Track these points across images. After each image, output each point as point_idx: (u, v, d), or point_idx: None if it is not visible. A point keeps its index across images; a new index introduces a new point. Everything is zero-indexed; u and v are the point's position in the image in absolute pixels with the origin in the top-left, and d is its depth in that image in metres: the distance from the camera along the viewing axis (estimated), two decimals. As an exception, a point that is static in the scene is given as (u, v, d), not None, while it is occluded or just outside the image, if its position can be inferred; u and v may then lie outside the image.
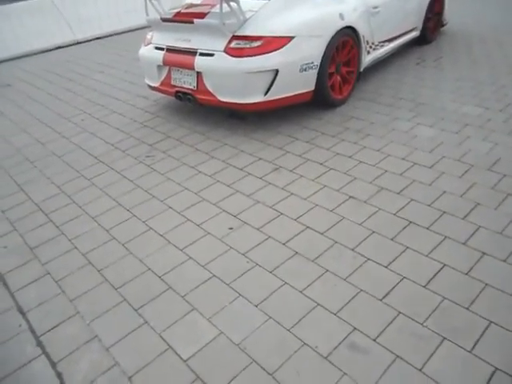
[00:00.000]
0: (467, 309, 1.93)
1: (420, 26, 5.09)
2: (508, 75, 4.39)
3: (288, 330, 1.91)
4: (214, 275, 2.26)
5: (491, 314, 1.90)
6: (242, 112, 3.80)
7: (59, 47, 7.31)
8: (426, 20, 5.15)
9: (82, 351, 1.93)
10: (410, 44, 5.25)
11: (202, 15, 3.50)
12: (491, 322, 1.86)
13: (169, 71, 3.82)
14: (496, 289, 2.02)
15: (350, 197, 2.74)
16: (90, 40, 7.62)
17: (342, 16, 3.67)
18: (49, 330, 2.05)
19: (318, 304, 2.02)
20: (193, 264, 2.35)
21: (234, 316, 2.01)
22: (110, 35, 7.83)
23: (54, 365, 1.89)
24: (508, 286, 2.03)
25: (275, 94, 3.44)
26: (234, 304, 2.07)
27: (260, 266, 2.28)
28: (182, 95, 3.77)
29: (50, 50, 7.22)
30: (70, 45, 7.46)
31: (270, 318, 1.98)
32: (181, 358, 1.84)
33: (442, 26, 5.70)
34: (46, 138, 3.99)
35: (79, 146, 3.79)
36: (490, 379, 1.64)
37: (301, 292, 2.09)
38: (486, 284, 2.05)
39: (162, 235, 2.61)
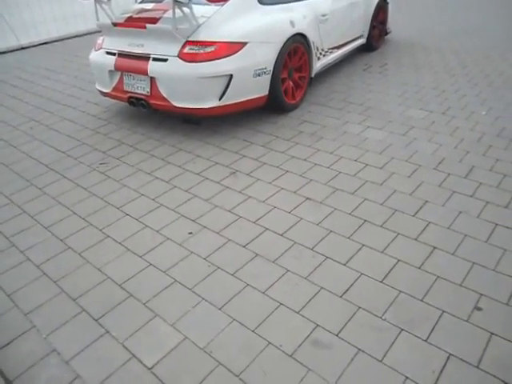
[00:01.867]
0: (421, 300, 2.03)
1: (366, 33, 5.31)
2: (448, 80, 4.66)
3: (252, 331, 1.93)
4: (176, 280, 2.25)
5: (443, 303, 2.01)
6: (196, 117, 3.80)
7: (2, 52, 7.00)
8: (372, 28, 5.38)
9: (39, 366, 1.86)
10: (357, 51, 5.46)
11: (154, 20, 3.48)
12: (444, 311, 1.97)
13: (121, 76, 3.76)
14: (446, 280, 2.14)
15: (307, 198, 2.81)
16: (36, 45, 7.34)
17: (292, 23, 3.76)
18: (3, 347, 1.96)
19: (281, 304, 2.06)
20: (153, 270, 2.33)
21: (198, 320, 2.01)
22: (57, 40, 7.58)
23: (9, 383, 1.80)
24: (457, 276, 2.15)
25: (230, 99, 3.47)
26: (198, 308, 2.07)
27: (222, 269, 2.29)
28: (135, 101, 3.71)
29: (-9, 56, 6.90)
30: (14, 50, 7.15)
31: (234, 320, 1.99)
32: (145, 366, 1.82)
33: (386, 34, 5.96)
34: (-9, 147, 3.82)
35: (28, 154, 3.65)
36: (445, 364, 1.74)
37: (263, 293, 2.13)
38: (438, 276, 2.16)
39: (120, 243, 2.56)
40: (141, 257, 2.43)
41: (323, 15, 4.27)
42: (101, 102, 4.58)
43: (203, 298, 2.12)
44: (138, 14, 3.74)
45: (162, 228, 2.65)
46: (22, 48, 7.24)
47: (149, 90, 3.58)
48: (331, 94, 4.42)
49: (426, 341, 1.84)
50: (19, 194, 3.09)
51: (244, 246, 2.44)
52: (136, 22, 3.56)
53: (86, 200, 2.99)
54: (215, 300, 2.10)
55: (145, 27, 3.41)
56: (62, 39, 7.61)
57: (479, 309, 1.97)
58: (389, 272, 2.20)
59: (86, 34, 7.76)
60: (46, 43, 7.44)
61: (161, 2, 3.83)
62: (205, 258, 2.38)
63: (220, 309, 2.05)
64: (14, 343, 1.97)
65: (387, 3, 5.66)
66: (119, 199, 2.97)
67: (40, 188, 3.16)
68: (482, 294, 2.04)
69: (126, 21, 3.65)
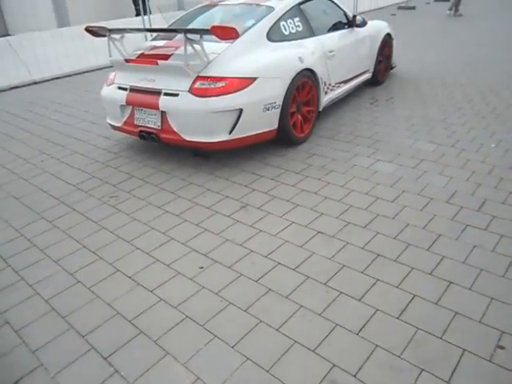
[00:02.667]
0: (441, 338, 1.97)
1: (372, 68, 5.41)
2: (455, 113, 4.70)
3: (267, 371, 1.87)
4: (187, 316, 2.20)
5: (463, 341, 1.95)
6: (206, 150, 3.83)
7: (15, 87, 7.16)
8: (377, 63, 5.48)
9: (47, 406, 1.81)
10: (363, 85, 5.54)
11: (166, 57, 3.56)
12: (464, 350, 1.91)
13: (132, 111, 3.82)
14: (465, 316, 2.08)
15: (318, 232, 2.78)
16: (48, 80, 7.51)
17: (301, 59, 3.84)
18: (10, 386, 1.91)
19: (296, 341, 2.00)
20: (164, 306, 2.29)
21: (211, 359, 1.95)
22: (69, 75, 7.77)
23: (16, 423, 1.75)
24: (476, 312, 2.10)
25: (240, 133, 3.51)
26: (210, 346, 2.02)
27: (234, 305, 2.25)
28: (145, 135, 3.76)
29: (5, 91, 7.05)
30: (27, 85, 7.31)
31: (248, 359, 1.94)
32: (156, 407, 1.76)
33: (391, 68, 6.07)
34: (3, 180, 3.84)
35: (39, 187, 3.67)
36: (468, 408, 1.67)
37: (277, 330, 2.07)
38: (456, 312, 2.11)
39: (130, 277, 2.53)
40: (151, 291, 2.40)
41: (330, 51, 4.36)
42: (111, 135, 4.64)
43: (215, 335, 2.07)
44: (150, 50, 3.83)
45: (173, 262, 2.62)
46: (35, 83, 7.41)
47: (160, 123, 3.62)
48: (339, 128, 4.46)
49: (448, 382, 1.77)
50: (29, 227, 3.09)
51: (256, 281, 2.40)
52: (148, 59, 3.64)
53: (96, 233, 2.98)
54: (228, 337, 2.05)
55: (157, 63, 3.49)
56: (74, 74, 7.80)
57: (502, 347, 1.91)
58: (405, 308, 2.15)
59: (96, 70, 7.94)
60: (57, 78, 7.62)
61: (172, 39, 3.93)
62: (216, 293, 2.34)
63: (233, 347, 2.00)
64: (22, 382, 1.92)
65: (392, 39, 5.78)
66: (129, 233, 2.95)
67: (50, 221, 3.16)
68: (503, 332, 1.98)
69: (138, 57, 3.73)
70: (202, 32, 3.32)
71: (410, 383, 1.78)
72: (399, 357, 1.89)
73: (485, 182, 3.25)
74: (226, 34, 3.24)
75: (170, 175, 3.70)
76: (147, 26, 8.76)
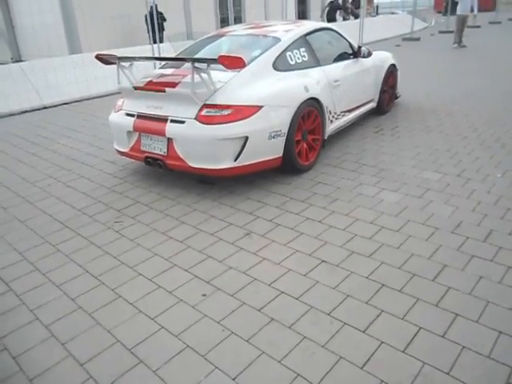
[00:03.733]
0: (448, 374, 1.92)
1: (376, 97, 5.47)
2: (460, 143, 4.71)
3: (268, 404, 1.82)
4: (188, 346, 2.16)
5: (472, 378, 1.89)
6: (211, 177, 3.84)
7: (25, 111, 7.29)
8: (382, 92, 5.54)
9: None
10: (368, 114, 5.59)
11: (173, 84, 3.62)
12: (472, 386, 1.85)
13: (139, 137, 3.87)
14: (472, 351, 2.03)
15: (323, 261, 2.76)
16: (57, 105, 7.65)
17: (306, 88, 3.89)
18: (6, 414, 1.87)
19: (298, 374, 1.96)
20: (165, 334, 2.25)
21: (211, 390, 1.91)
22: (78, 101, 7.91)
23: None
24: (483, 347, 2.05)
25: (245, 160, 3.53)
26: (210, 378, 1.97)
27: (236, 335, 2.21)
28: (151, 160, 3.79)
29: (16, 115, 7.18)
30: (37, 109, 7.45)
31: (249, 391, 1.89)
32: None
33: (396, 98, 6.14)
34: (9, 203, 3.86)
35: (44, 211, 3.68)
36: None
37: (279, 362, 2.03)
38: (463, 346, 2.06)
39: (131, 303, 2.50)
40: (153, 319, 2.36)
41: (335, 81, 4.42)
42: (117, 160, 4.68)
43: (216, 367, 2.03)
44: (158, 78, 3.90)
45: (175, 289, 2.60)
46: (45, 107, 7.55)
47: (166, 150, 3.65)
48: (344, 156, 4.47)
49: (454, 419, 1.72)
50: (33, 251, 3.08)
51: (259, 310, 2.37)
52: (156, 86, 3.70)
53: (99, 258, 2.97)
54: (229, 369, 2.01)
55: (165, 91, 3.54)
56: (83, 100, 7.94)
57: (510, 384, 1.86)
58: (411, 341, 2.11)
59: (105, 96, 8.09)
60: (66, 103, 7.76)
61: (179, 67, 4.00)
62: (218, 322, 2.30)
63: (234, 379, 1.95)
64: (18, 411, 1.88)
65: (396, 69, 5.87)
66: (132, 258, 2.94)
67: (54, 245, 3.16)
68: None
69: (146, 84, 3.80)
70: (209, 61, 3.39)
71: (416, 420, 1.72)
72: (405, 392, 1.84)
73: (491, 213, 3.23)
74: (233, 63, 3.30)
75: (174, 201, 3.70)
76: (157, 55, 8.95)
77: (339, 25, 16.51)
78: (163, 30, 14.38)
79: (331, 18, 17.25)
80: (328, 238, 3.01)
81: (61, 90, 7.84)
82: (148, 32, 10.78)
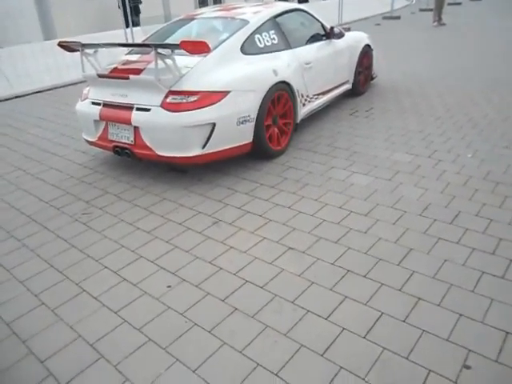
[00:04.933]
0: (406, 358, 1.93)
1: (351, 79, 5.41)
2: (433, 123, 4.70)
3: (227, 395, 1.82)
4: (150, 339, 2.14)
5: (429, 361, 1.90)
6: (182, 165, 3.78)
7: (-4, 101, 7.11)
8: (357, 74, 5.48)
9: None
10: (344, 96, 5.55)
11: (138, 71, 3.53)
12: (430, 370, 1.86)
13: (106, 126, 3.78)
14: (432, 334, 2.04)
15: (290, 248, 2.74)
16: (30, 94, 7.45)
17: (275, 72, 3.82)
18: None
19: (259, 364, 1.95)
20: (127, 328, 2.23)
21: (170, 384, 1.89)
22: (51, 89, 7.71)
23: None
24: (443, 330, 2.06)
25: (213, 147, 3.47)
26: (171, 371, 1.96)
27: (198, 326, 2.19)
28: (119, 150, 3.71)
29: (-15, 105, 6.99)
30: (8, 99, 7.25)
31: None
32: None
33: (372, 79, 6.09)
34: (-26, 198, 3.77)
35: (11, 204, 3.60)
36: (430, 432, 1.62)
37: (240, 352, 2.02)
38: (423, 330, 2.07)
39: (95, 298, 2.46)
40: (116, 313, 2.33)
41: (307, 63, 4.35)
42: (88, 150, 4.58)
43: (177, 359, 2.01)
44: (123, 65, 3.79)
45: (140, 281, 2.56)
46: (16, 97, 7.35)
47: (133, 139, 3.58)
48: (317, 139, 4.44)
49: (410, 404, 1.73)
50: (-3, 247, 3.02)
51: (223, 300, 2.35)
52: (120, 73, 3.60)
53: (64, 252, 2.91)
54: (190, 361, 1.99)
55: (128, 78, 3.45)
56: (55, 88, 7.75)
57: (468, 367, 1.87)
58: (372, 326, 2.11)
59: (78, 83, 7.89)
60: (39, 92, 7.57)
61: (146, 54, 3.89)
62: (182, 314, 2.28)
63: (194, 371, 1.94)
64: (-25, 412, 1.85)
65: (371, 49, 5.80)
66: (99, 251, 2.89)
67: (19, 240, 3.09)
68: (470, 350, 1.94)
69: (110, 72, 3.70)
70: (171, 47, 3.30)
71: (373, 407, 1.73)
72: (363, 379, 1.84)
73: (459, 194, 3.23)
74: (196, 48, 3.21)
75: (144, 191, 3.64)
76: (130, 39, 8.75)
77: (319, 4, 16.30)
78: (139, 12, 14.08)
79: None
80: (296, 224, 2.99)
81: (33, 78, 7.64)
82: (125, 15, 10.55)
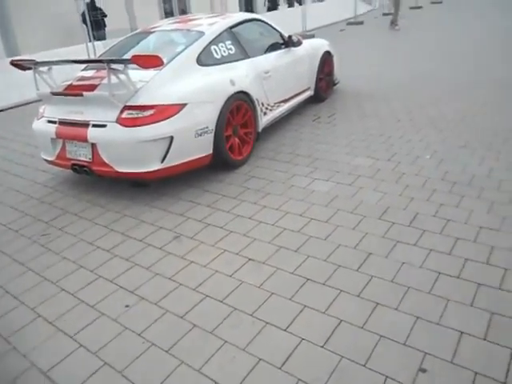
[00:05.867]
0: (364, 366, 1.92)
1: (313, 86, 5.46)
2: (394, 126, 4.78)
3: (183, 417, 1.78)
4: (106, 363, 2.08)
5: (386, 368, 1.90)
6: (142, 180, 3.73)
7: (-48, 123, 6.90)
8: (318, 80, 5.54)
9: None
10: (306, 102, 5.59)
11: (92, 87, 3.48)
12: (387, 377, 1.86)
13: (63, 144, 3.71)
14: (390, 339, 2.04)
15: (249, 259, 2.72)
16: (-11, 113, 7.28)
17: (232, 82, 3.82)
18: None
19: (216, 383, 1.91)
20: (83, 352, 2.16)
21: (125, 409, 1.84)
22: (13, 107, 7.55)
23: None
24: (400, 334, 2.06)
25: (173, 161, 3.44)
26: (126, 394, 1.91)
27: (156, 346, 2.14)
28: (78, 168, 3.64)
29: None
30: (-34, 120, 7.06)
31: (164, 405, 1.84)
32: None
33: (334, 84, 6.16)
34: None
35: (-35, 230, 3.48)
36: None
37: (198, 371, 1.98)
38: (381, 336, 2.07)
39: (51, 322, 2.39)
40: (71, 337, 2.27)
41: (266, 72, 4.37)
42: (48, 169, 4.48)
43: (133, 383, 1.96)
44: (77, 81, 3.74)
45: (98, 303, 2.50)
46: (-25, 117, 7.16)
47: (91, 156, 3.51)
48: (280, 148, 4.45)
49: (367, 412, 1.72)
50: None
51: (181, 317, 2.31)
52: (74, 90, 3.55)
53: (20, 276, 2.82)
54: (145, 383, 1.94)
55: (82, 94, 3.40)
56: (17, 106, 7.58)
57: (424, 370, 1.87)
58: (331, 335, 2.10)
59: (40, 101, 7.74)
60: (1, 110, 7.40)
61: (103, 69, 3.83)
62: (139, 334, 2.23)
63: (150, 393, 1.90)
64: None
65: (332, 56, 5.87)
66: (56, 273, 2.81)
67: (-27, 266, 2.98)
68: (426, 353, 1.95)
69: (65, 89, 3.64)
70: (124, 61, 3.26)
71: (330, 417, 1.71)
72: (321, 389, 1.83)
73: (418, 196, 3.28)
74: (148, 62, 3.19)
75: (104, 209, 3.57)
76: (92, 54, 8.65)
77: (283, 12, 16.47)
78: (105, 26, 13.92)
79: (274, 5, 17.16)
80: (257, 234, 2.98)
81: (-7, 96, 7.46)
82: (87, 30, 10.41)
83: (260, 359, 2.01)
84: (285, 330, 2.15)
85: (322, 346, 2.04)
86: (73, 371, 2.05)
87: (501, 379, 1.79)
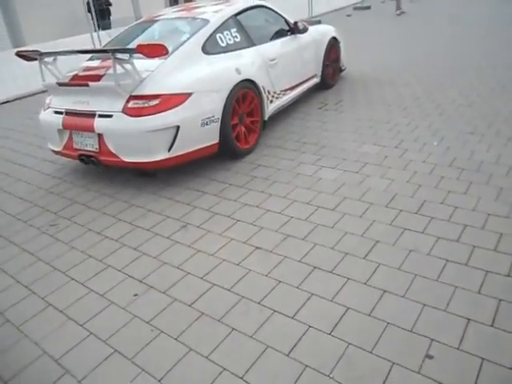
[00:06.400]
0: (371, 352, 1.94)
1: (319, 73, 5.41)
2: (401, 113, 4.73)
3: (192, 403, 1.80)
4: (116, 350, 2.11)
5: (393, 354, 1.91)
6: (149, 170, 3.74)
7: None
8: (325, 67, 5.48)
9: None
10: (313, 90, 5.55)
11: (97, 77, 3.48)
12: (394, 363, 1.87)
13: (70, 135, 3.72)
14: (396, 326, 2.05)
15: (257, 248, 2.73)
16: (-3, 105, 7.32)
17: (238, 70, 3.80)
18: None
19: (225, 369, 1.94)
20: (93, 340, 2.20)
21: (136, 395, 1.87)
22: (19, 98, 7.58)
23: None
24: (407, 321, 2.07)
25: (179, 150, 3.44)
26: (136, 382, 1.94)
27: (165, 333, 2.17)
28: (85, 158, 3.66)
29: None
30: (-26, 111, 7.11)
31: (174, 392, 1.86)
32: None
33: (341, 71, 6.09)
34: None
35: (-25, 221, 3.52)
36: (391, 426, 1.63)
37: (206, 357, 2.01)
38: (388, 323, 2.08)
39: (61, 311, 2.42)
40: (82, 325, 2.30)
41: (272, 60, 4.34)
42: (56, 160, 4.51)
43: (143, 369, 1.99)
44: (83, 71, 3.74)
45: (107, 292, 2.53)
46: (-17, 109, 7.20)
47: (97, 146, 3.53)
48: (287, 135, 4.43)
49: (374, 398, 1.73)
50: (-40, 266, 2.95)
51: (190, 305, 2.33)
52: (80, 80, 3.55)
53: (30, 266, 2.86)
54: (155, 370, 1.98)
55: (88, 85, 3.40)
56: (23, 97, 7.61)
57: (430, 357, 1.88)
58: (338, 322, 2.11)
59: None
60: (6, 102, 7.42)
61: (105, 59, 3.83)
62: (148, 322, 2.26)
63: (159, 380, 1.92)
64: None
65: (338, 42, 5.80)
66: (65, 263, 2.85)
67: (-16, 257, 3.03)
68: (432, 340, 1.96)
69: (70, 79, 3.64)
70: (129, 51, 3.25)
71: (337, 403, 1.73)
72: (328, 376, 1.85)
73: (425, 183, 3.26)
74: (153, 51, 3.18)
75: (112, 198, 3.60)
76: (97, 44, 8.63)
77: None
78: (110, 15, 13.88)
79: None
80: (264, 223, 2.98)
81: (1, 88, 7.48)
82: (92, 19, 10.37)
83: (268, 346, 2.02)
84: (292, 318, 2.17)
85: (329, 334, 2.05)
86: (84, 358, 2.09)
87: (508, 365, 1.80)
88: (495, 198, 2.98)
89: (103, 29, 11.05)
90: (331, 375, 1.85)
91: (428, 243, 2.60)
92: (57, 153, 4.00)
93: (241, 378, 1.88)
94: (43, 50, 3.81)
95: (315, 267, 2.50)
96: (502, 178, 3.21)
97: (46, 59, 3.81)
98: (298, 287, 2.37)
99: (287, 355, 1.97)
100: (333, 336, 2.04)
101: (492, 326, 1.99)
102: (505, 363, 1.81)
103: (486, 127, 4.13)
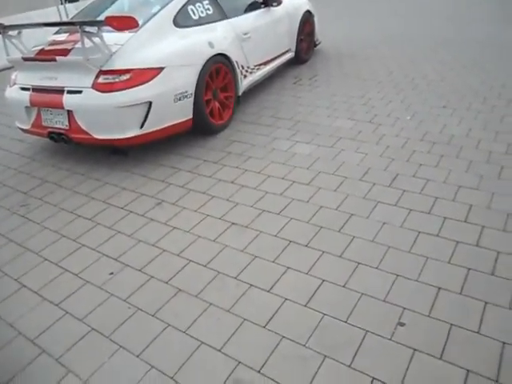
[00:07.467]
0: (345, 322, 1.99)
1: (293, 47, 5.36)
2: (375, 88, 4.75)
3: (171, 378, 1.82)
4: (93, 329, 2.11)
5: (366, 323, 1.97)
6: (122, 147, 3.67)
7: None
8: (299, 41, 5.43)
9: None
10: (287, 64, 5.50)
11: (65, 52, 3.36)
12: (367, 331, 1.93)
13: (38, 112, 3.60)
14: (370, 296, 2.10)
15: (232, 223, 2.74)
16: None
17: (211, 44, 3.72)
18: None
19: (202, 342, 1.96)
20: (70, 319, 2.18)
21: (114, 372, 1.88)
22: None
23: None
24: (380, 291, 2.12)
25: (152, 126, 3.38)
26: (114, 358, 1.94)
27: (142, 311, 2.17)
28: (55, 136, 3.56)
29: None
30: None
31: (153, 367, 1.88)
32: (54, 431, 1.68)
33: (315, 45, 6.04)
34: None
35: None
36: (366, 390, 1.69)
37: (184, 332, 2.02)
38: (362, 293, 2.13)
39: (36, 292, 2.39)
40: (57, 305, 2.28)
41: (245, 33, 4.26)
42: (25, 138, 4.37)
43: (121, 346, 1.99)
44: (50, 46, 3.60)
45: (82, 271, 2.51)
46: None
47: (67, 123, 3.43)
48: (261, 111, 4.40)
49: (349, 366, 1.79)
50: None
51: (166, 282, 2.33)
52: (47, 55, 3.42)
53: (2, 248, 2.81)
54: (133, 346, 1.98)
55: (55, 60, 3.28)
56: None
57: (402, 324, 1.94)
58: (313, 294, 2.15)
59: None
60: (-29, 79, 7.10)
61: (73, 32, 3.69)
62: (125, 300, 2.25)
63: (138, 356, 1.93)
64: None
65: (313, 15, 5.73)
66: (38, 243, 2.80)
67: (-48, 240, 2.94)
68: (404, 308, 2.02)
69: (36, 54, 3.50)
70: (97, 24, 3.13)
71: (313, 372, 1.78)
72: (304, 345, 1.89)
73: (398, 156, 3.30)
74: (123, 24, 3.08)
75: (84, 177, 3.53)
76: (64, 17, 8.30)
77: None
78: (76, -13, 13.33)
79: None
80: (239, 198, 2.98)
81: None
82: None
83: (244, 319, 2.05)
84: (268, 291, 2.20)
85: (305, 305, 2.09)
86: (60, 337, 2.08)
87: (474, 329, 1.87)
88: (465, 170, 3.05)
89: (70, 1, 10.61)
90: (307, 345, 1.89)
91: (401, 216, 2.65)
92: (25, 131, 3.87)
93: (219, 350, 1.91)
94: (7, 23, 3.63)
95: (291, 241, 2.53)
96: (471, 151, 3.29)
97: (11, 33, 3.62)
98: (273, 261, 2.39)
99: (264, 327, 2.00)
100: (308, 307, 2.08)
101: (461, 293, 2.06)
102: (472, 327, 1.88)
103: (457, 101, 4.19)
